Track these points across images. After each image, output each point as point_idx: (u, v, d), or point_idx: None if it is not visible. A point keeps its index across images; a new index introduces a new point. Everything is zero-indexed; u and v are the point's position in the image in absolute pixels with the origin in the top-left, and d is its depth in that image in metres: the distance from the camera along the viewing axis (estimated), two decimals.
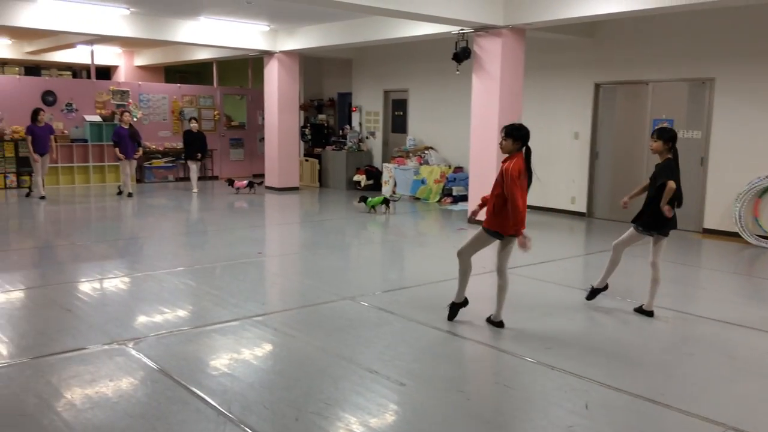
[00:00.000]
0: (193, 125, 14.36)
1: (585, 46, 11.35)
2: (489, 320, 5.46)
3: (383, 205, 11.65)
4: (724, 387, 4.39)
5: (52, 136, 12.78)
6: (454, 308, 5.58)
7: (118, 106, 15.92)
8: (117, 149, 13.18)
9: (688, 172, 10.06)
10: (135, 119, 15.91)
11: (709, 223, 10.09)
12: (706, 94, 10.03)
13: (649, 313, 5.80)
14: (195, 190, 14.28)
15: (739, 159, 9.66)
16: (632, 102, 11.10)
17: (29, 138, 12.40)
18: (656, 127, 5.83)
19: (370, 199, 11.75)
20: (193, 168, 14.42)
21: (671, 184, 5.42)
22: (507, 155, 5.18)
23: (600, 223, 11.24)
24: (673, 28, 10.18)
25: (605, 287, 6.07)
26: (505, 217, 5.10)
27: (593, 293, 6.09)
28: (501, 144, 5.19)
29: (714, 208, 10.01)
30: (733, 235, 9.68)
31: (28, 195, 13.09)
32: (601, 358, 4.82)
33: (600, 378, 4.36)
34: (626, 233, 5.83)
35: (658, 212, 5.56)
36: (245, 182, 14.20)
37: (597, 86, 11.40)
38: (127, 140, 13.09)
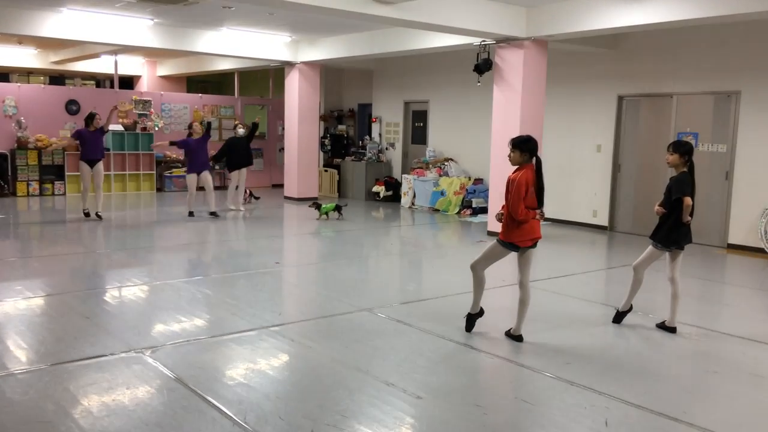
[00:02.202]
0: (240, 130, 12.78)
1: (608, 58, 11.27)
2: (508, 334, 5.40)
3: (335, 212, 11.98)
4: (748, 405, 4.29)
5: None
6: (471, 319, 5.55)
7: (141, 115, 16.10)
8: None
9: (713, 186, 10.02)
10: (156, 129, 16.08)
11: (733, 239, 9.92)
12: (732, 107, 9.89)
13: (672, 329, 5.70)
14: (242, 208, 12.95)
15: (765, 173, 9.50)
16: (656, 115, 10.99)
17: (76, 143, 11.39)
18: (672, 141, 5.80)
19: (323, 205, 12.09)
20: (235, 180, 12.82)
21: (687, 200, 5.40)
22: (516, 167, 5.18)
23: (622, 237, 11.10)
24: (698, 40, 10.07)
25: (630, 308, 5.97)
26: (519, 229, 5.08)
27: (619, 317, 5.97)
28: (509, 156, 5.19)
29: (739, 223, 9.84)
30: (758, 251, 9.51)
31: (87, 215, 11.34)
32: (622, 374, 4.74)
33: (621, 394, 4.28)
34: (645, 253, 5.76)
35: (674, 227, 5.50)
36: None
37: (620, 99, 11.31)
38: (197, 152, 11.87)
